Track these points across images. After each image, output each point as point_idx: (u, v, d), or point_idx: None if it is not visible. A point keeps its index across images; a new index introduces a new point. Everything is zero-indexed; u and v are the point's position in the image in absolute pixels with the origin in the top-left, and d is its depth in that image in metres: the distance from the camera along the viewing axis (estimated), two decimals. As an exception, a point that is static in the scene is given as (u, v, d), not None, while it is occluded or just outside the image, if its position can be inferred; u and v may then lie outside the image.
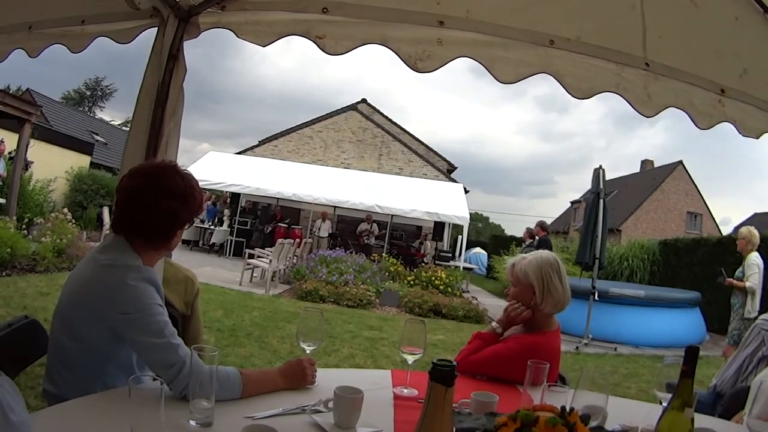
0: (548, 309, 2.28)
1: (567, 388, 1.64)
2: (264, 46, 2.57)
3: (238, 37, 2.57)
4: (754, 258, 6.49)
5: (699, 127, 2.54)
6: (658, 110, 2.54)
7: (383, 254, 15.85)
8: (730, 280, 6.57)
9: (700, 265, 12.53)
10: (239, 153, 22.88)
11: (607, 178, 9.40)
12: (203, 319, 2.68)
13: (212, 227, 17.68)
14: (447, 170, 27.15)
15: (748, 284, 6.31)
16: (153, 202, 1.72)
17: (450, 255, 17.28)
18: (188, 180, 1.81)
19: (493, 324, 2.38)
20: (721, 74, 2.45)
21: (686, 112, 2.52)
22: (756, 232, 6.70)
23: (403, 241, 21.08)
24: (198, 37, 2.57)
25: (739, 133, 2.56)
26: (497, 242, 25.68)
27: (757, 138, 2.56)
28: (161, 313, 1.63)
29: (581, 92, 2.50)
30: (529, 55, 2.45)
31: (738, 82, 2.43)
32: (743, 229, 6.82)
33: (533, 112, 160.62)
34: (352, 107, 25.18)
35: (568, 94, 2.48)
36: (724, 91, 2.48)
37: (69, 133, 21.91)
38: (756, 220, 29.51)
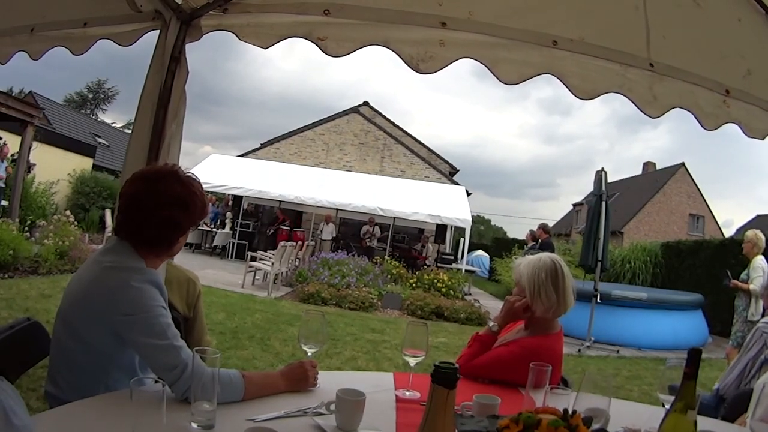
0: (539, 313, 2.27)
1: (569, 391, 1.63)
2: (265, 48, 2.57)
3: (239, 39, 2.57)
4: (760, 261, 6.52)
5: (705, 128, 2.53)
6: (664, 111, 2.53)
7: (385, 257, 15.83)
8: (735, 282, 6.59)
9: (703, 267, 12.51)
10: (241, 156, 22.87)
11: (609, 181, 9.40)
12: (206, 322, 2.67)
13: (214, 230, 17.70)
14: (449, 173, 27.15)
15: (752, 287, 6.31)
16: (153, 210, 1.71)
17: (452, 257, 17.26)
18: (189, 186, 1.79)
19: (490, 323, 2.37)
20: (726, 75, 2.44)
21: (692, 113, 2.52)
22: (762, 236, 6.72)
23: (406, 243, 21.05)
24: (200, 40, 2.58)
25: (745, 134, 2.55)
26: (499, 245, 25.62)
27: (762, 139, 2.56)
28: (164, 315, 1.63)
29: (585, 93, 2.49)
30: (533, 55, 2.45)
31: (742, 83, 2.42)
32: (749, 233, 6.83)
33: (536, 115, 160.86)
34: (354, 110, 25.18)
35: (572, 94, 2.47)
36: (729, 92, 2.48)
37: (71, 136, 21.95)
38: (758, 222, 29.40)
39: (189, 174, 1.84)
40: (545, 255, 2.37)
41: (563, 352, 2.34)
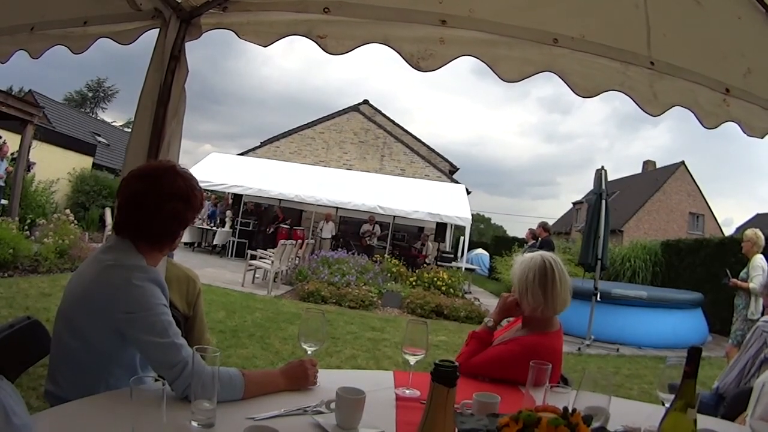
0: (527, 312, 2.28)
1: (569, 389, 1.63)
2: (265, 46, 2.57)
3: (239, 37, 2.57)
4: (760, 260, 6.52)
5: (705, 127, 2.53)
6: (664, 109, 2.53)
7: (385, 255, 15.83)
8: (735, 280, 6.59)
9: (703, 265, 12.51)
10: (241, 154, 22.86)
11: (609, 179, 9.39)
12: (206, 320, 2.67)
13: (214, 228, 17.69)
14: (449, 171, 27.14)
15: (752, 285, 6.31)
16: (157, 205, 1.72)
17: (452, 256, 17.27)
18: (188, 180, 1.82)
19: (486, 319, 2.38)
20: (726, 74, 2.44)
21: (692, 111, 2.52)
22: (761, 235, 6.72)
23: (405, 242, 21.06)
24: (200, 38, 2.58)
25: (744, 132, 2.55)
26: (499, 243, 25.60)
27: (762, 138, 2.56)
28: (165, 313, 1.63)
29: (586, 91, 2.49)
30: (533, 53, 2.44)
31: (742, 81, 2.42)
32: (749, 231, 6.84)
33: (536, 113, 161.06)
34: (354, 108, 25.16)
35: (573, 92, 2.47)
36: (729, 91, 2.47)
37: (71, 135, 21.93)
38: (758, 220, 29.44)
39: (184, 169, 1.86)
40: (539, 254, 2.35)
41: (563, 350, 2.34)
